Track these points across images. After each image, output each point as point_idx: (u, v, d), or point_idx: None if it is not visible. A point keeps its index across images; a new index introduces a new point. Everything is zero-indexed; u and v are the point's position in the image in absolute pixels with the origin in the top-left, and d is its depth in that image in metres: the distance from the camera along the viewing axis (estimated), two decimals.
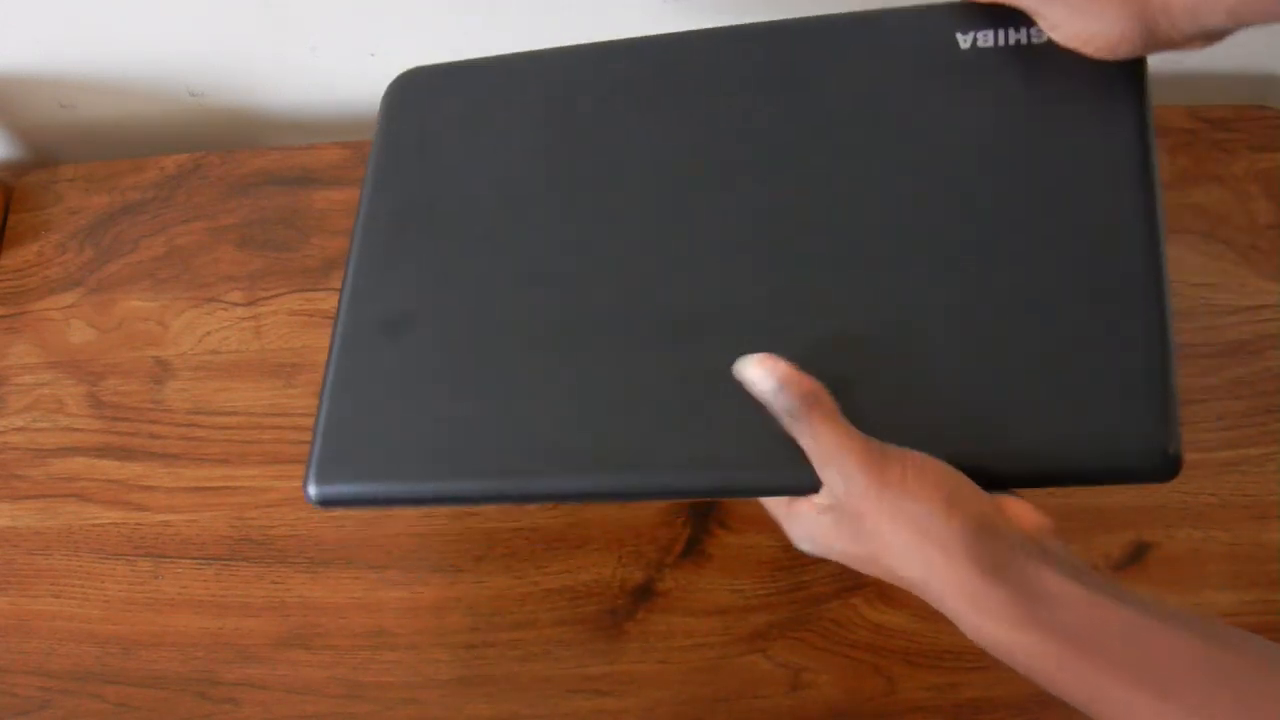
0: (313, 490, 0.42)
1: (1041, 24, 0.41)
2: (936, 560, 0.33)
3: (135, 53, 0.63)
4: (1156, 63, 0.66)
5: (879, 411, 0.37)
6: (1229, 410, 0.53)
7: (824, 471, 0.36)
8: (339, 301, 0.45)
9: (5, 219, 0.64)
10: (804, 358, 0.38)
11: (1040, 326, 0.39)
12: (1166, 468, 0.38)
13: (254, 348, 0.58)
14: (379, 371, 0.43)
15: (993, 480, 0.37)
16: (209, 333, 0.59)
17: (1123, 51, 0.39)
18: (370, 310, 0.45)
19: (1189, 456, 0.52)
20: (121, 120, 0.67)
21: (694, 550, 0.52)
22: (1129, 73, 0.41)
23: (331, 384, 0.44)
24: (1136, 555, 0.51)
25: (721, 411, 0.39)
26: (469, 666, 0.51)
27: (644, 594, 0.52)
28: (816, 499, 0.37)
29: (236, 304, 0.60)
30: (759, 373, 0.37)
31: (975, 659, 0.50)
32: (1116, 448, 0.38)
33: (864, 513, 0.35)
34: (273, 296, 0.59)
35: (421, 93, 0.49)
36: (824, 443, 0.35)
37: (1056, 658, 0.32)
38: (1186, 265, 0.56)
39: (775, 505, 0.40)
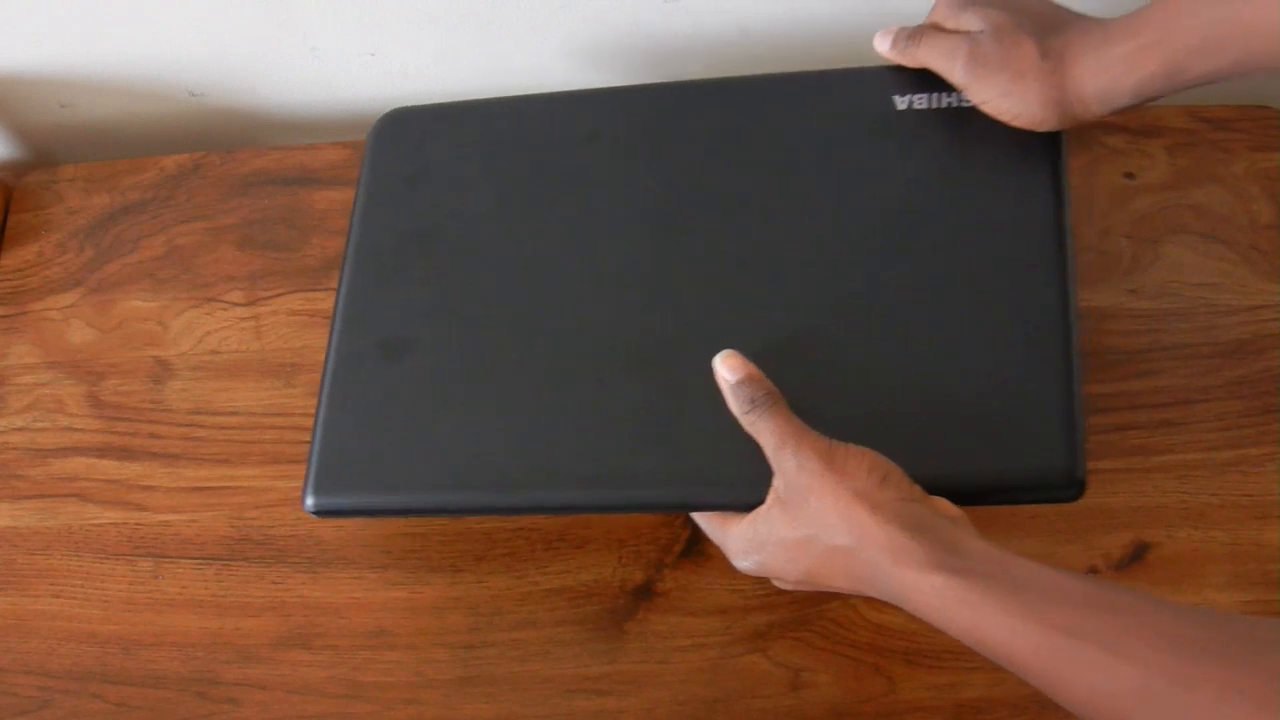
0: (310, 501, 0.46)
1: (972, 99, 0.46)
2: (866, 521, 0.38)
3: (135, 53, 0.63)
4: None
5: (818, 428, 0.42)
6: (1229, 410, 0.53)
7: (778, 456, 0.41)
8: (332, 323, 0.49)
9: (5, 219, 0.64)
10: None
11: (963, 365, 0.44)
12: (1072, 489, 0.43)
13: (254, 348, 0.58)
14: (373, 390, 0.47)
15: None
16: (209, 333, 0.59)
17: (1044, 128, 0.45)
18: (365, 332, 0.48)
19: (1190, 457, 0.52)
20: (121, 120, 0.67)
21: (694, 550, 0.52)
22: (1047, 137, 0.47)
23: (328, 401, 0.48)
24: (1137, 555, 0.51)
25: (686, 433, 0.44)
26: (469, 666, 0.51)
27: (644, 594, 0.52)
28: (762, 507, 0.42)
29: (236, 304, 0.60)
30: (730, 365, 0.43)
31: (976, 659, 0.49)
32: (1027, 472, 0.43)
33: (811, 488, 0.40)
34: (273, 296, 0.59)
35: (408, 131, 0.54)
36: (781, 430, 0.41)
37: (963, 597, 0.36)
38: (1186, 265, 0.56)
39: (712, 530, 0.45)
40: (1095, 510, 0.52)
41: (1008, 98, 0.44)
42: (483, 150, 0.52)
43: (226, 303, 0.60)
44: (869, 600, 0.51)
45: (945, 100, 0.48)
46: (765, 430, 0.41)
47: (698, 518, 0.46)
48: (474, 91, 0.66)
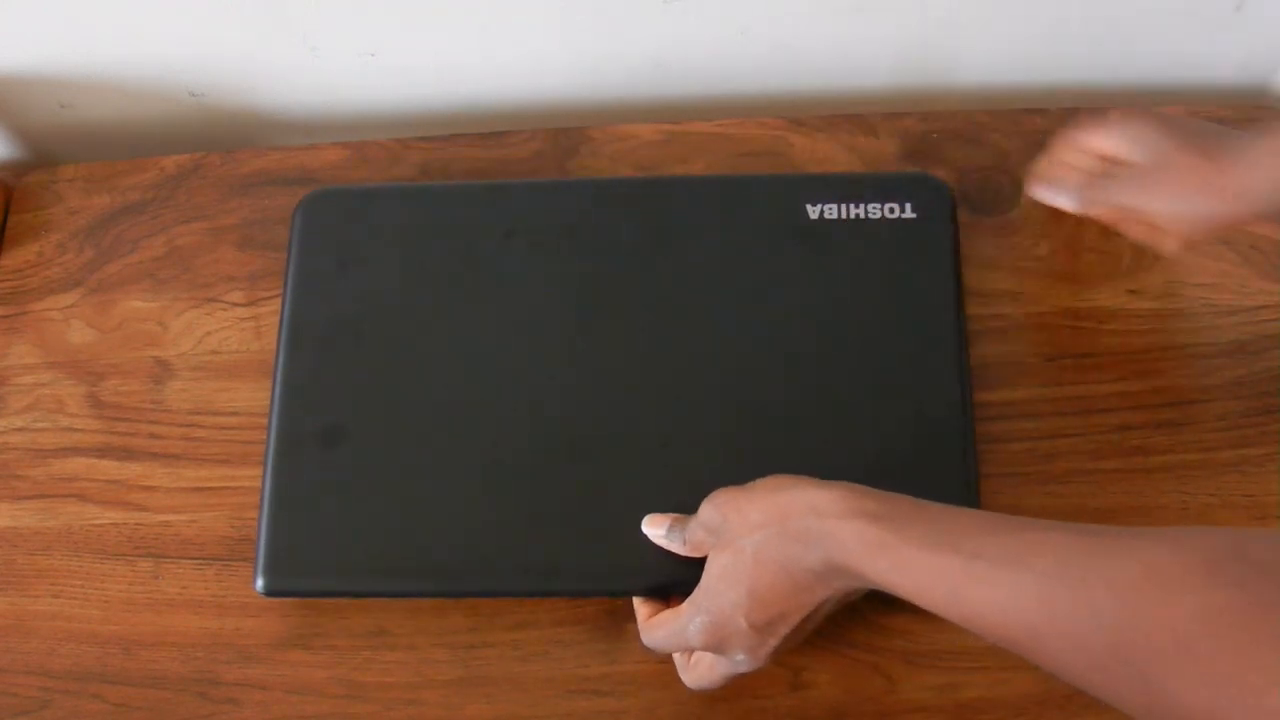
0: (261, 583, 0.50)
1: (1152, 216, 0.48)
2: (781, 493, 0.41)
3: (135, 53, 0.63)
4: (1156, 61, 0.66)
5: None
6: (1229, 410, 0.53)
7: (703, 521, 0.44)
8: (270, 403, 0.52)
9: (5, 219, 0.64)
10: (671, 470, 0.49)
11: (870, 454, 0.49)
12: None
13: (254, 348, 0.58)
14: (314, 476, 0.51)
15: None
16: (209, 333, 0.59)
17: (1212, 227, 0.47)
18: (302, 418, 0.52)
19: (1190, 457, 0.52)
20: (121, 120, 0.67)
21: None
22: (941, 240, 0.53)
23: (271, 486, 0.51)
24: None
25: (612, 524, 0.48)
26: (469, 667, 0.51)
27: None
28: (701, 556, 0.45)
29: (237, 304, 0.60)
30: (654, 523, 0.47)
31: (976, 659, 0.50)
32: None
33: (725, 510, 0.43)
34: (273, 297, 0.59)
35: (332, 213, 0.56)
36: (697, 516, 0.45)
37: (882, 539, 0.37)
38: (1187, 266, 0.56)
39: (645, 629, 0.47)
40: (1096, 511, 0.52)
41: (1173, 203, 0.46)
42: (406, 238, 0.55)
43: (227, 303, 0.60)
44: (869, 600, 0.51)
45: (853, 211, 0.53)
46: (692, 529, 0.45)
47: (636, 603, 0.49)
48: (473, 92, 0.66)
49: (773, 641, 0.42)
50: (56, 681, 0.52)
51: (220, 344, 0.59)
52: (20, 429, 0.58)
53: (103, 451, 0.57)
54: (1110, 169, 0.49)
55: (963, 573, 0.35)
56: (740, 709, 0.49)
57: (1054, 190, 0.52)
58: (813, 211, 0.54)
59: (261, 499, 0.51)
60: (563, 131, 0.62)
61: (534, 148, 0.62)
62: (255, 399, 0.57)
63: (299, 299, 0.54)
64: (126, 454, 0.57)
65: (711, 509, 0.44)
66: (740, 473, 0.44)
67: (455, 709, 0.50)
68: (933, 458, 0.49)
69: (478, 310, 0.53)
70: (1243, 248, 0.57)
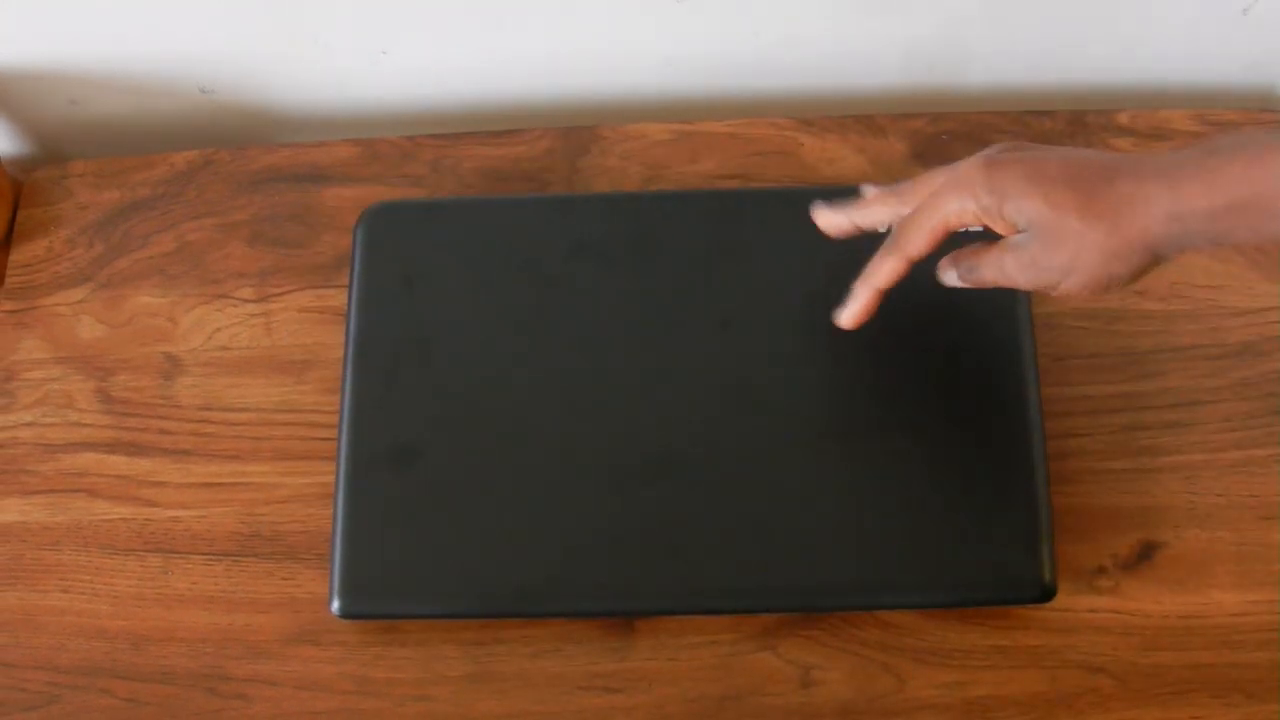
0: (338, 605, 0.49)
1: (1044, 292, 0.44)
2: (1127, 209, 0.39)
3: (146, 49, 0.63)
4: (1165, 63, 0.66)
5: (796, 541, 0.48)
6: (1235, 412, 0.54)
7: (1019, 200, 0.41)
8: (339, 427, 0.52)
9: (15, 214, 0.64)
10: (749, 486, 0.49)
11: (936, 488, 0.49)
12: (1045, 594, 0.48)
13: (265, 344, 0.58)
14: (388, 498, 0.50)
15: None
16: (219, 329, 0.59)
17: (1115, 289, 0.42)
18: (374, 440, 0.51)
19: (1195, 458, 0.53)
20: (132, 116, 0.67)
21: None
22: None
23: (344, 512, 0.50)
24: (1145, 555, 0.51)
25: (691, 543, 0.48)
26: (479, 663, 0.51)
27: None
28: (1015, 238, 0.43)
29: (247, 300, 0.60)
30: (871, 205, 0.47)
31: (984, 657, 0.50)
32: (1002, 583, 0.48)
33: (1073, 204, 0.40)
34: (284, 293, 0.60)
35: (397, 228, 0.56)
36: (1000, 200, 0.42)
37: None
38: (1193, 268, 0.57)
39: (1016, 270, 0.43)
40: (1103, 510, 0.52)
41: (1073, 275, 0.42)
42: (472, 254, 0.54)
43: (237, 299, 0.60)
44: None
45: None
46: (1002, 208, 0.42)
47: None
48: (484, 90, 0.66)
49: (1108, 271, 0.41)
50: (65, 676, 0.52)
51: (230, 340, 0.59)
52: (29, 424, 0.58)
53: (112, 447, 0.57)
54: (979, 238, 0.45)
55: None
56: (750, 706, 0.50)
57: (946, 270, 0.47)
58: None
59: (334, 520, 0.50)
60: (573, 130, 0.62)
61: (545, 146, 0.62)
62: (266, 395, 0.57)
63: (364, 316, 0.53)
64: (136, 449, 0.57)
65: (1039, 199, 0.40)
66: (818, 486, 0.47)
67: (465, 705, 0.50)
68: (1001, 488, 0.49)
69: (547, 326, 0.52)
70: (1249, 250, 0.57)
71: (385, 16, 0.61)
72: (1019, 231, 0.42)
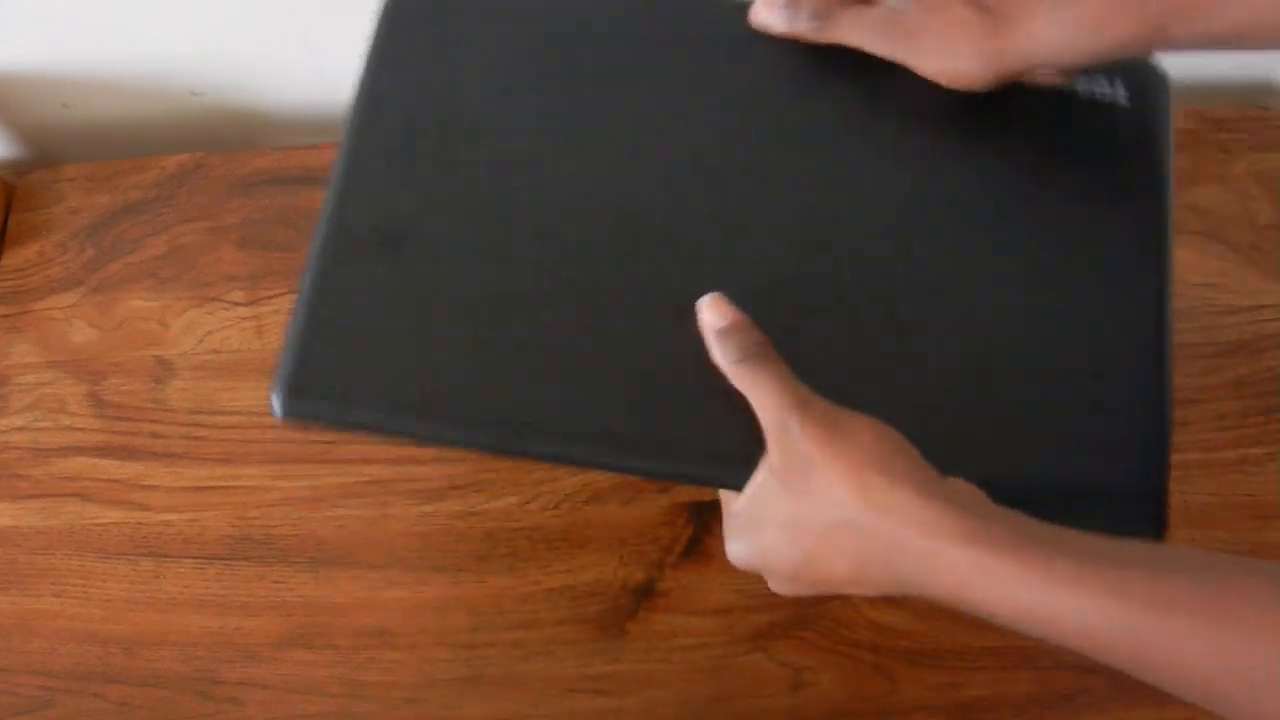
0: (277, 405, 0.40)
1: (903, 64, 0.41)
2: (884, 490, 0.34)
3: (137, 52, 0.63)
4: (1158, 56, 0.66)
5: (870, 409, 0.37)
6: (1230, 410, 0.53)
7: (774, 422, 0.36)
8: (325, 200, 0.42)
9: (7, 218, 0.64)
10: (807, 340, 0.39)
11: (1043, 356, 0.40)
12: (1151, 510, 0.40)
13: (255, 347, 0.58)
14: (365, 284, 0.41)
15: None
16: (210, 332, 0.59)
17: (980, 87, 0.40)
18: (363, 215, 0.42)
19: (1191, 456, 0.52)
20: (123, 120, 0.67)
21: (695, 549, 0.52)
22: (1159, 138, 0.42)
23: (311, 289, 0.41)
24: None
25: (690, 398, 0.39)
26: (470, 666, 0.51)
27: (645, 593, 0.52)
28: (754, 479, 0.37)
29: (238, 303, 0.60)
30: (716, 310, 0.38)
31: (977, 658, 0.50)
32: (1106, 483, 0.39)
33: (812, 459, 0.35)
34: (274, 296, 0.59)
35: (425, 9, 0.46)
36: (777, 389, 0.36)
37: (1016, 574, 0.32)
38: (1187, 265, 0.56)
39: (724, 510, 0.40)
40: None
41: (937, 57, 0.40)
42: (511, 33, 0.45)
43: (228, 302, 0.60)
44: (871, 599, 0.51)
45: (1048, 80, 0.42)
46: (758, 388, 0.36)
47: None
48: None
49: (809, 593, 0.38)
50: (58, 681, 0.52)
51: (221, 343, 0.59)
52: (21, 428, 0.58)
53: (104, 451, 0.57)
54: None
55: (1142, 623, 0.31)
56: (741, 708, 0.49)
57: (782, 14, 0.42)
58: None
59: (296, 306, 0.41)
60: None
61: None
62: (257, 398, 0.57)
63: (376, 85, 0.44)
64: (128, 453, 0.57)
65: (797, 441, 0.35)
66: (882, 362, 0.39)
67: (456, 708, 0.50)
68: (1120, 374, 0.40)
69: (583, 126, 0.43)
70: (1244, 248, 0.57)
71: (373, 19, 0.60)
72: None
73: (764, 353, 0.37)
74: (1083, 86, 0.43)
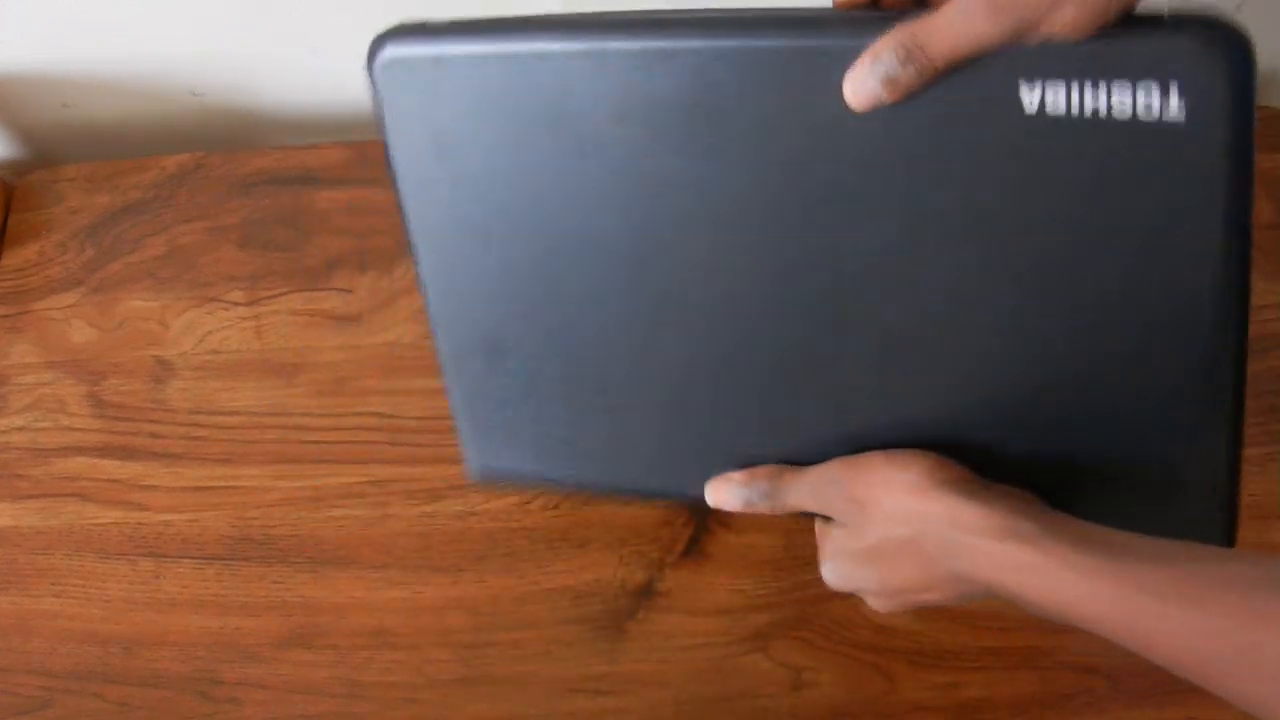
0: (474, 467, 0.47)
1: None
2: (923, 500, 0.37)
3: (136, 52, 0.63)
4: None
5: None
6: None
7: (819, 500, 0.41)
8: (429, 314, 0.46)
9: (6, 218, 0.64)
10: (893, 421, 0.41)
11: (1111, 410, 0.41)
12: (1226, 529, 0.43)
13: (255, 347, 0.58)
14: (494, 386, 0.46)
15: None
16: (210, 332, 0.59)
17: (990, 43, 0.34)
18: (463, 336, 0.46)
19: None
20: (123, 120, 0.67)
21: (695, 549, 0.52)
22: (1216, 162, 0.35)
23: (459, 396, 0.47)
24: None
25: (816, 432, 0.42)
26: (470, 666, 0.51)
27: (645, 593, 0.52)
28: (828, 526, 0.42)
29: (238, 304, 0.60)
30: (723, 494, 0.42)
31: (976, 658, 0.50)
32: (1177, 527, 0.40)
33: (861, 502, 0.39)
34: (274, 296, 0.59)
35: (415, 83, 0.44)
36: (800, 484, 0.41)
37: (1028, 564, 0.34)
38: None
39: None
40: None
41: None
42: (516, 112, 0.42)
43: (228, 302, 0.60)
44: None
45: (1089, 102, 0.35)
46: (792, 497, 0.41)
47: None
48: None
49: (901, 607, 0.41)
50: (58, 681, 0.52)
51: (221, 343, 0.59)
52: (21, 428, 0.58)
53: (104, 451, 0.57)
54: None
55: (1134, 605, 0.33)
56: (742, 709, 0.49)
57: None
58: (1029, 99, 0.36)
59: (450, 400, 0.47)
60: None
61: None
62: (256, 398, 0.57)
63: (413, 197, 0.45)
64: (127, 453, 0.57)
65: (842, 500, 0.40)
66: (952, 413, 0.39)
67: (456, 708, 0.50)
68: (1190, 426, 0.42)
69: (604, 208, 0.42)
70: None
71: (374, 19, 0.60)
72: None
73: (774, 476, 0.41)
74: (1121, 105, 0.35)
